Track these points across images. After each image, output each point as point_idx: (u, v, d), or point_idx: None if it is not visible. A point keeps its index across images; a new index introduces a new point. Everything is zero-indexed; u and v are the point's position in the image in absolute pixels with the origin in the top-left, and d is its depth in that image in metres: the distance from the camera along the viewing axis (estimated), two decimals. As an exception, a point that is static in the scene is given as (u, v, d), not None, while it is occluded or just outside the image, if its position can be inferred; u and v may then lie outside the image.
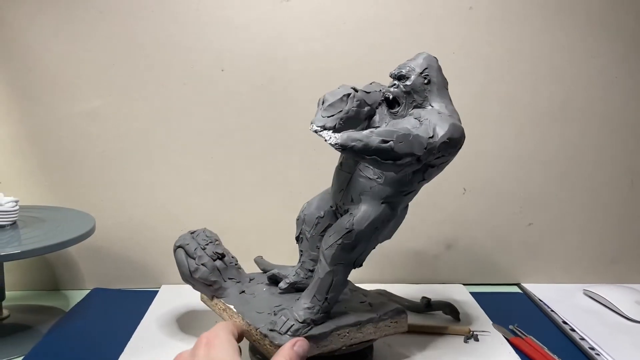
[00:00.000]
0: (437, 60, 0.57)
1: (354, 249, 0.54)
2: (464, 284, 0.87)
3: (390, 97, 0.56)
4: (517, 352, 0.64)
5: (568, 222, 0.88)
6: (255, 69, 0.81)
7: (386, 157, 0.49)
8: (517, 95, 0.84)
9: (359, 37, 0.81)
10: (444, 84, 0.56)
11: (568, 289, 0.86)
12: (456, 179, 0.86)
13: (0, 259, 0.61)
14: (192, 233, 0.66)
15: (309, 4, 0.80)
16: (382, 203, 0.54)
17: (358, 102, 0.53)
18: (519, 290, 0.87)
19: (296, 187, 0.84)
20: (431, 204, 0.86)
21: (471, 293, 0.83)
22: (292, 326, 0.53)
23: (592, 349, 0.66)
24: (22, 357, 0.62)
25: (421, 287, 0.85)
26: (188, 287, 0.82)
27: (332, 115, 0.52)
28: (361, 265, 0.57)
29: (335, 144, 0.48)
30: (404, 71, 0.56)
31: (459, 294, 0.82)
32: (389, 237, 0.59)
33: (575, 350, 0.67)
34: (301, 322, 0.54)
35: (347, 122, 0.53)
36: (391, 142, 0.48)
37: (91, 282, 0.85)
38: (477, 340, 0.67)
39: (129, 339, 0.66)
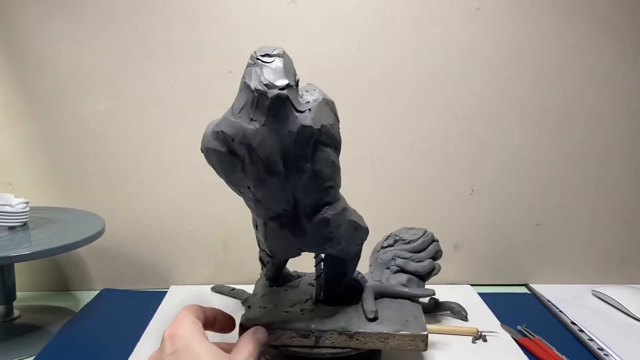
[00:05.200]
0: (258, 52, 0.47)
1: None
2: (471, 285, 0.87)
3: None
4: (525, 353, 0.64)
5: (576, 223, 0.88)
6: (263, 71, 0.82)
7: None
8: (524, 96, 0.84)
9: (366, 38, 0.81)
10: (243, 83, 0.47)
11: (576, 290, 0.86)
12: (464, 180, 0.85)
13: (11, 260, 0.61)
14: None
15: (317, 4, 0.80)
16: None
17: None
18: (527, 291, 0.87)
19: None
20: (439, 204, 0.86)
21: (479, 294, 0.83)
22: None
23: (601, 349, 0.66)
24: (32, 357, 0.63)
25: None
26: (196, 287, 0.84)
27: None
28: (272, 256, 0.60)
29: None
30: None
31: (467, 295, 0.82)
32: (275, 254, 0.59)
33: (584, 350, 0.66)
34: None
35: None
36: None
37: (101, 283, 0.86)
38: (485, 340, 0.67)
39: (138, 340, 0.67)
